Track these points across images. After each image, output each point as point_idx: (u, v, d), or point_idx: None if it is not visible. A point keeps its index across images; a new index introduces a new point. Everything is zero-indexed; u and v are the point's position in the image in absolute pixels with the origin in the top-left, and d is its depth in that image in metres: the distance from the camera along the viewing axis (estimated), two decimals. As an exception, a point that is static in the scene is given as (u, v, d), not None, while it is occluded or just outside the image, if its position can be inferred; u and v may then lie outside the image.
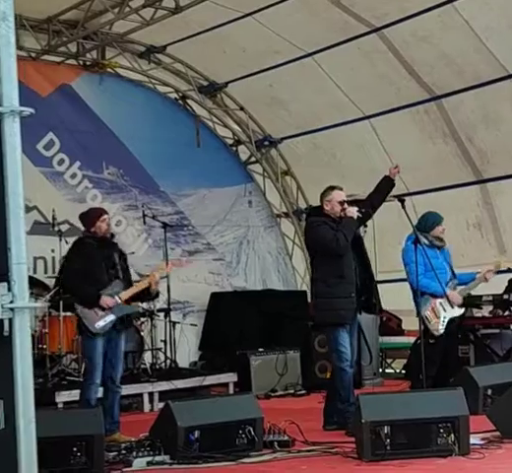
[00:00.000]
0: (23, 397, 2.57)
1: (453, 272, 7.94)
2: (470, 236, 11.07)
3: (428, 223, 7.94)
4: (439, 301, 7.68)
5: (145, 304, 9.79)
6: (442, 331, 7.61)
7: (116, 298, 6.81)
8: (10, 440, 2.53)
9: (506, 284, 9.46)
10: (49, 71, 10.92)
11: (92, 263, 6.86)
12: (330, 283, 6.87)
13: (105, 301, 6.76)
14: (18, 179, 2.63)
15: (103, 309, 6.75)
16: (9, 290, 2.64)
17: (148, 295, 7.10)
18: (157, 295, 7.40)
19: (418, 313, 7.62)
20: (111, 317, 6.80)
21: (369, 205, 7.10)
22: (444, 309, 7.71)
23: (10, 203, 2.63)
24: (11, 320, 2.59)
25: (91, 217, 7.05)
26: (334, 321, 6.88)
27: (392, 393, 6.69)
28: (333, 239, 6.77)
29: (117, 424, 6.90)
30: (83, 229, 7.20)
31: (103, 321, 6.77)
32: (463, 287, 7.91)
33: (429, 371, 7.22)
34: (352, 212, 6.86)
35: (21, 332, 2.58)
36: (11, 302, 2.63)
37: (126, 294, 6.88)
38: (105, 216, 7.04)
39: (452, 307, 7.72)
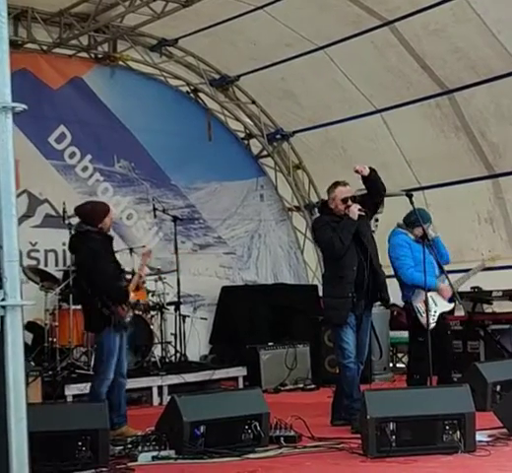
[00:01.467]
0: (14, 395, 2.56)
1: (439, 264, 7.83)
2: (481, 231, 11.03)
3: (411, 221, 7.84)
4: (430, 294, 7.66)
5: (154, 298, 9.85)
6: (433, 325, 7.58)
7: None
8: (1, 438, 2.52)
9: None
10: (61, 64, 10.93)
11: (110, 259, 6.91)
12: (331, 283, 7.01)
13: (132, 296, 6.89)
14: (9, 177, 2.59)
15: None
16: (0, 288, 2.63)
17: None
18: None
19: (406, 307, 7.62)
20: (132, 312, 6.92)
21: (370, 196, 7.04)
22: (435, 303, 7.70)
23: (1, 200, 2.60)
24: (2, 318, 2.57)
25: (99, 213, 6.96)
26: (333, 321, 7.02)
27: (398, 389, 6.67)
28: (329, 243, 6.87)
29: (125, 417, 6.91)
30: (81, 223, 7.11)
31: (128, 316, 6.82)
32: (457, 279, 7.90)
33: (415, 368, 7.23)
34: (354, 212, 6.84)
35: (12, 330, 2.56)
36: (2, 299, 2.62)
37: (131, 287, 6.91)
38: (112, 211, 7.05)
39: (443, 302, 7.70)
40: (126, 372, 7.01)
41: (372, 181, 6.95)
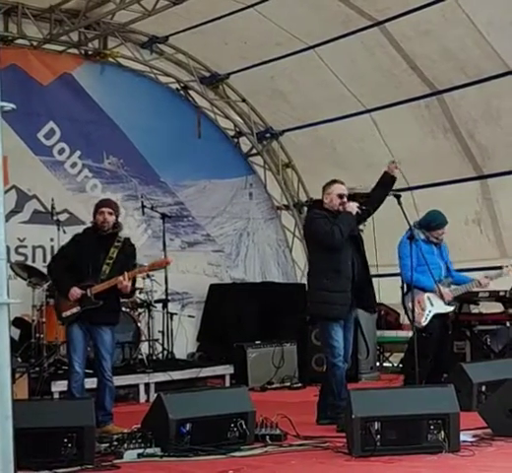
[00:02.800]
0: (0, 394, 2.56)
1: (449, 270, 7.92)
2: (469, 232, 11.06)
3: (432, 223, 7.97)
4: (428, 295, 7.71)
5: (142, 295, 9.84)
6: (424, 324, 7.63)
7: (88, 291, 6.84)
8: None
9: None
10: (51, 60, 10.90)
11: (78, 253, 6.93)
12: (327, 277, 6.88)
13: (73, 292, 6.83)
14: (-4, 175, 2.59)
15: (70, 300, 6.85)
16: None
17: (120, 292, 6.95)
18: (132, 293, 7.35)
19: (404, 307, 7.67)
20: (77, 309, 6.87)
21: (370, 201, 7.09)
22: (431, 304, 7.74)
23: (-12, 198, 2.60)
24: (-12, 317, 2.57)
25: (94, 208, 7.12)
26: (328, 316, 6.88)
27: (383, 389, 6.69)
28: (329, 232, 6.78)
29: (110, 415, 6.91)
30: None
31: (70, 312, 6.88)
32: (456, 287, 7.92)
33: (422, 365, 7.25)
34: (352, 207, 6.86)
35: (-2, 328, 2.56)
36: (-12, 298, 2.62)
37: (97, 288, 6.86)
38: (103, 209, 7.00)
39: (440, 303, 7.73)
40: (108, 371, 6.94)
41: (387, 184, 7.07)
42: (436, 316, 7.78)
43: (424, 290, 7.75)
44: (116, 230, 7.09)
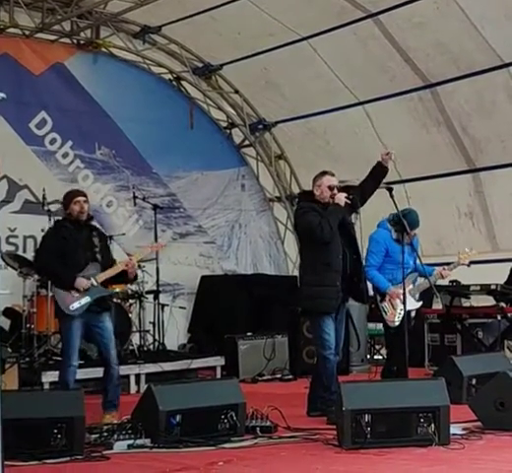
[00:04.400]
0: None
1: (416, 263, 7.80)
2: (461, 225, 11.09)
3: (396, 221, 7.82)
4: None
5: (134, 286, 9.82)
6: (397, 323, 7.63)
7: (92, 280, 6.77)
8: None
9: (508, 272, 9.45)
10: (43, 49, 10.86)
11: (68, 245, 6.83)
12: (317, 271, 6.85)
13: (81, 282, 6.71)
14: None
15: (79, 291, 6.70)
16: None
17: (125, 277, 6.99)
18: (135, 278, 7.33)
19: (376, 303, 7.65)
20: (86, 299, 6.74)
21: (360, 191, 7.05)
22: (402, 302, 7.72)
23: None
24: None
25: (66, 199, 6.98)
26: (319, 310, 6.86)
27: (374, 382, 6.69)
28: (317, 226, 6.73)
29: (109, 404, 6.85)
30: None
31: (78, 303, 6.71)
32: (421, 282, 7.89)
33: (399, 359, 7.32)
34: (340, 198, 6.81)
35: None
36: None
37: (102, 276, 6.81)
38: (79, 198, 6.89)
39: (411, 300, 7.68)
40: (113, 359, 6.87)
41: (379, 176, 7.02)
42: (407, 313, 7.75)
43: (378, 290, 7.74)
44: (91, 218, 7.06)
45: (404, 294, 7.19)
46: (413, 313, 7.98)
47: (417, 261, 7.67)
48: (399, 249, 7.49)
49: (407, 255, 7.39)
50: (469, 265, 8.08)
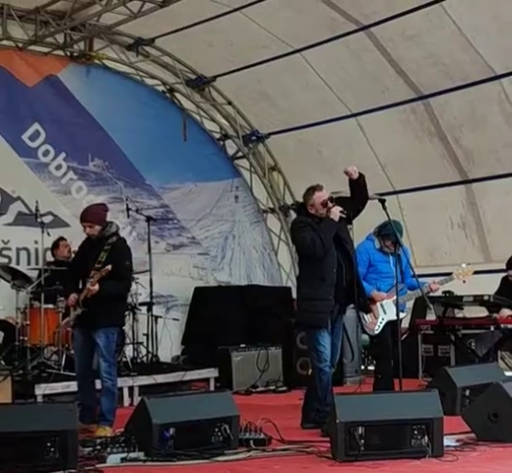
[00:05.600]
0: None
1: (405, 275, 7.78)
2: (454, 236, 11.11)
3: (380, 231, 7.87)
4: (381, 302, 7.69)
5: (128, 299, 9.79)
6: (377, 332, 7.65)
7: (78, 297, 6.90)
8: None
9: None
10: (36, 61, 10.88)
11: (79, 261, 7.09)
12: (311, 285, 6.88)
13: (70, 298, 6.92)
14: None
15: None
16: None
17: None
18: (126, 289, 7.43)
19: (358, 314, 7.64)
20: (73, 315, 6.98)
21: (353, 202, 7.02)
22: (384, 312, 7.72)
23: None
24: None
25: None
26: (313, 323, 6.88)
27: (367, 394, 6.68)
28: (310, 242, 6.76)
29: (101, 417, 6.85)
30: None
31: (69, 317, 7.04)
32: (409, 292, 7.89)
33: (384, 369, 7.35)
34: (335, 213, 6.80)
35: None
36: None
37: (82, 295, 6.88)
38: (83, 223, 6.99)
39: (393, 310, 7.63)
40: (103, 372, 6.89)
41: (359, 186, 6.89)
42: (388, 323, 7.75)
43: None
44: (105, 233, 7.01)
45: (386, 303, 7.27)
46: (405, 324, 8.01)
47: (410, 272, 7.67)
48: (383, 259, 7.54)
49: (391, 265, 7.43)
50: (464, 282, 8.07)
